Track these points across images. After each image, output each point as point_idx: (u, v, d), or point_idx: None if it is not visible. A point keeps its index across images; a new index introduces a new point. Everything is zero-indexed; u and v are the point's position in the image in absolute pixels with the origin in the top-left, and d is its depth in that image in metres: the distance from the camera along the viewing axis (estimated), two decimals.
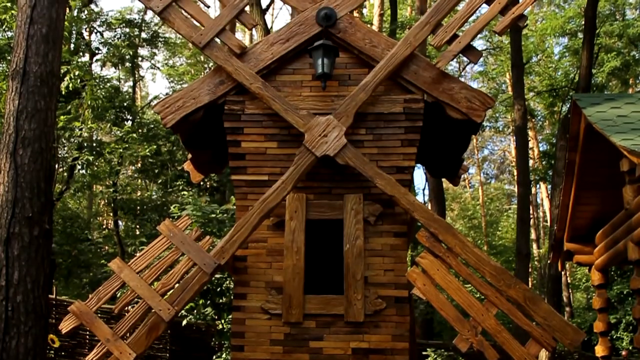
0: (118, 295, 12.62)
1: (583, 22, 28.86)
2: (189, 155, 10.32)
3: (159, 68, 42.93)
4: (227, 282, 17.41)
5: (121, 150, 26.71)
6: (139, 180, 34.70)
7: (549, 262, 21.93)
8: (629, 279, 14.65)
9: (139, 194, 36.37)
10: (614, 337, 24.51)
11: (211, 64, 35.89)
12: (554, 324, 7.83)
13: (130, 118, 30.44)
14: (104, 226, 41.90)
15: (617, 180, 11.59)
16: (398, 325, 8.46)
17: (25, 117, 13.92)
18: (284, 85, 9.08)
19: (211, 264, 8.06)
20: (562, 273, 32.47)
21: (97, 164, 27.75)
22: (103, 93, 27.71)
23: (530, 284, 38.61)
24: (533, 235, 44.69)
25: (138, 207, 30.96)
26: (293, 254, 8.61)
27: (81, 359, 20.48)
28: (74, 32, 29.84)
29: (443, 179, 17.48)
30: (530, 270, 36.02)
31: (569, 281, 38.50)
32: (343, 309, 8.46)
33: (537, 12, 44.55)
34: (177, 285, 8.20)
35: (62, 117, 23.95)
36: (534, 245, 44.96)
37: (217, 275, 16.68)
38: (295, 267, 8.58)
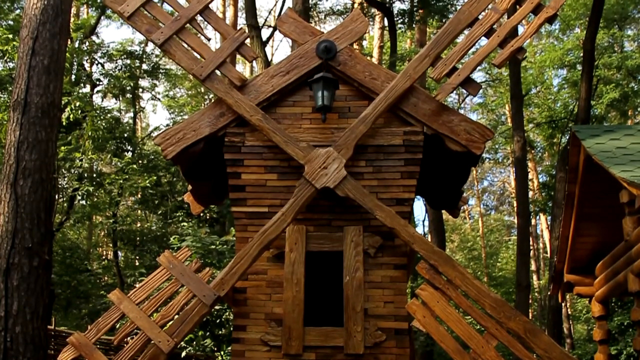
0: (117, 327, 12.55)
1: (582, 54, 28.96)
2: (189, 187, 10.32)
3: (159, 99, 43.15)
4: (227, 313, 17.35)
5: (121, 181, 26.79)
6: (139, 211, 34.70)
7: (549, 293, 21.81)
8: (629, 310, 14.62)
9: (138, 225, 36.34)
10: None
11: (211, 96, 36.05)
12: (555, 356, 7.79)
13: (131, 149, 30.57)
14: (104, 257, 41.81)
15: (616, 212, 11.59)
16: (398, 358, 8.41)
17: (26, 148, 13.97)
18: (284, 118, 9.10)
19: (211, 295, 8.05)
20: (563, 304, 32.33)
21: (97, 194, 27.86)
22: (104, 124, 27.88)
23: (530, 315, 38.44)
24: (533, 267, 44.55)
25: (138, 238, 30.98)
26: (293, 286, 8.59)
27: None
28: (75, 63, 30.08)
29: (443, 211, 17.47)
30: (530, 301, 35.86)
31: (569, 313, 38.31)
32: (343, 341, 8.42)
33: (536, 45, 44.79)
34: (176, 316, 8.18)
35: (62, 147, 24.05)
36: (534, 277, 44.82)
37: (217, 307, 16.63)
38: (295, 299, 8.56)
